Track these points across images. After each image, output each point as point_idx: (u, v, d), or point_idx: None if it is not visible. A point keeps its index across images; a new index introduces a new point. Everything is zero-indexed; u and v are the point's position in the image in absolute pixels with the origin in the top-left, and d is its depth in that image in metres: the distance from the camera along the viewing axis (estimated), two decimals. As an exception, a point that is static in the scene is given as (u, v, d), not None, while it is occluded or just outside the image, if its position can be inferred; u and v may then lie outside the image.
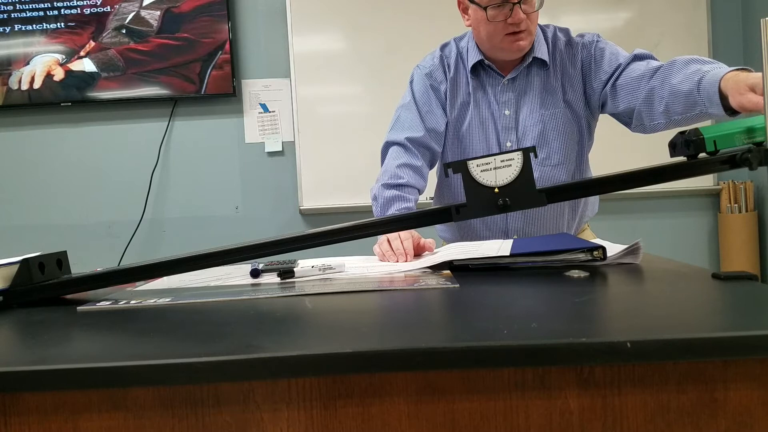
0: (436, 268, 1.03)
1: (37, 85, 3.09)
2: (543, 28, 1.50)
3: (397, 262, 1.18)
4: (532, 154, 0.89)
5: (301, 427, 0.56)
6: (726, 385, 0.55)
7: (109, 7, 3.07)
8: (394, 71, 3.02)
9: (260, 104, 3.10)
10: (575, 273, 0.90)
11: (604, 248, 0.99)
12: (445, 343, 0.55)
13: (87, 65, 3.09)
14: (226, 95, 3.06)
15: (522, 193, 0.89)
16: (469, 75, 1.49)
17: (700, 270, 0.91)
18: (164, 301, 0.87)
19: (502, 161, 0.89)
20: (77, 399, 0.57)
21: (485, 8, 1.36)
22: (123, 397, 0.57)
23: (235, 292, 0.91)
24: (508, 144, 1.48)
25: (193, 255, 1.00)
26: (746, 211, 2.94)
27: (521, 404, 0.56)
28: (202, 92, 3.04)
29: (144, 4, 3.07)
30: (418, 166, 1.47)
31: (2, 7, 3.08)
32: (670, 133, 0.98)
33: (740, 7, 3.06)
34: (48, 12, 3.09)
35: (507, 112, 1.47)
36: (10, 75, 3.10)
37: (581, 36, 1.47)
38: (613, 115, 1.44)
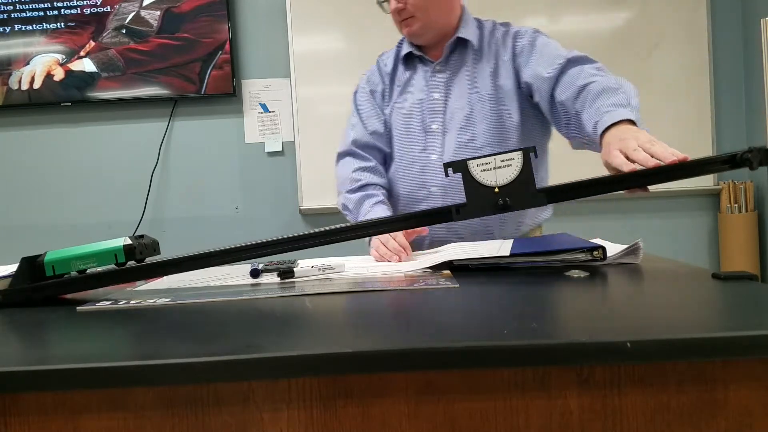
0: (436, 268, 1.03)
1: (37, 85, 3.09)
2: (480, 20, 1.56)
3: (399, 261, 1.19)
4: (532, 154, 0.89)
5: (301, 427, 0.56)
6: (726, 385, 0.55)
7: (109, 7, 3.07)
8: (394, 71, 3.02)
9: (260, 104, 3.10)
10: (575, 273, 0.90)
11: (604, 248, 0.99)
12: (445, 343, 0.55)
13: (87, 65, 3.09)
14: (226, 95, 3.06)
15: (522, 192, 0.89)
16: (402, 67, 1.56)
17: (700, 270, 0.91)
18: (164, 301, 0.87)
19: (502, 161, 0.89)
20: (77, 399, 0.57)
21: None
22: (123, 397, 0.57)
23: (235, 292, 0.91)
24: (434, 127, 1.49)
25: (193, 255, 1.00)
26: (746, 211, 2.94)
27: (521, 404, 0.56)
28: (202, 92, 3.04)
29: (144, 4, 3.07)
30: (371, 165, 1.53)
31: (2, 7, 3.08)
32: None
33: (740, 7, 3.06)
34: (48, 12, 3.09)
35: (436, 96, 1.50)
36: (10, 75, 3.10)
37: (521, 28, 1.51)
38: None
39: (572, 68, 1.38)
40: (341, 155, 1.59)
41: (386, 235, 1.25)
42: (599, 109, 1.21)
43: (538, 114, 1.49)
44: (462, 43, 1.51)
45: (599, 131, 1.15)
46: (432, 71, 1.52)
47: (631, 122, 1.13)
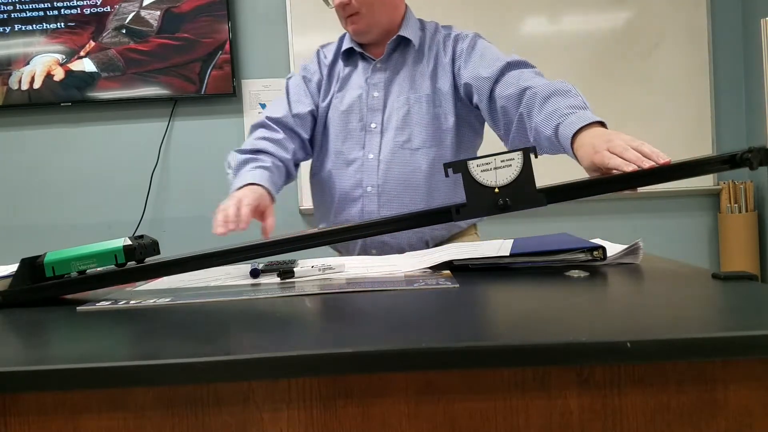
0: (436, 268, 1.03)
1: (37, 85, 3.09)
2: (423, 21, 1.56)
3: (229, 228, 1.18)
4: (532, 154, 0.89)
5: (301, 427, 0.56)
6: (726, 385, 0.55)
7: (109, 7, 3.07)
8: (394, 71, 3.02)
9: (260, 104, 3.10)
10: (575, 273, 0.90)
11: (604, 248, 0.99)
12: (445, 343, 0.55)
13: (87, 65, 3.09)
14: (226, 95, 3.06)
15: (522, 193, 0.89)
16: (342, 62, 1.55)
17: (700, 270, 0.91)
18: (164, 301, 0.87)
19: (502, 161, 0.89)
20: (77, 399, 0.57)
21: None
22: (123, 397, 0.57)
23: (235, 292, 0.91)
24: (373, 125, 1.48)
25: (193, 255, 1.00)
26: (746, 211, 2.94)
27: (521, 404, 0.56)
28: (202, 92, 3.05)
29: (144, 4, 3.07)
30: (278, 138, 1.49)
31: (2, 7, 3.08)
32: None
33: (740, 7, 3.06)
34: (48, 12, 3.09)
35: (376, 94, 1.49)
36: (10, 75, 3.10)
37: (462, 32, 1.51)
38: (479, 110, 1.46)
39: (512, 70, 1.38)
40: (254, 127, 1.55)
41: (239, 196, 1.24)
42: (556, 112, 1.19)
43: (471, 119, 1.50)
44: (404, 43, 1.51)
45: (568, 134, 1.12)
46: (372, 69, 1.51)
47: (601, 124, 1.11)
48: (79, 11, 3.08)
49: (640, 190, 0.98)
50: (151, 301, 0.87)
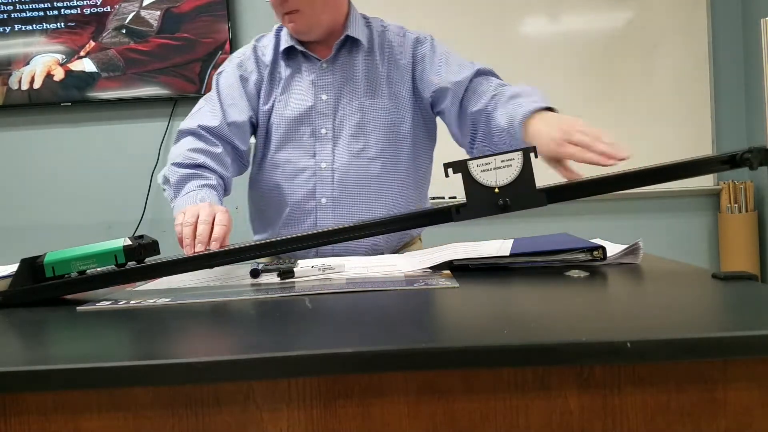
0: (436, 268, 1.03)
1: (37, 85, 3.09)
2: (368, 18, 1.47)
3: (194, 251, 1.07)
4: (532, 154, 0.89)
5: (301, 427, 0.56)
6: (726, 385, 0.55)
7: (109, 7, 3.07)
8: (394, 71, 3.02)
9: (260, 104, 3.10)
10: (575, 273, 0.90)
11: (604, 248, 0.99)
12: (445, 343, 0.55)
13: (87, 65, 3.09)
14: (226, 95, 3.05)
15: (522, 193, 0.89)
16: (283, 62, 1.41)
17: (700, 270, 0.91)
18: (164, 301, 0.87)
19: (502, 161, 0.89)
20: (77, 399, 0.57)
21: None
22: (123, 397, 0.57)
23: (235, 292, 0.91)
24: (323, 131, 1.37)
25: (193, 255, 1.00)
26: (746, 211, 2.94)
27: (521, 404, 0.56)
28: (202, 92, 3.04)
29: (144, 4, 3.07)
30: (218, 153, 1.34)
31: (2, 7, 3.08)
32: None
33: (740, 7, 3.06)
34: (48, 12, 3.09)
35: (324, 97, 1.38)
36: (10, 75, 3.10)
37: (420, 34, 1.45)
38: (441, 117, 1.43)
39: (481, 78, 1.36)
40: (183, 133, 1.38)
41: (193, 214, 1.11)
42: (515, 106, 1.21)
43: (429, 124, 1.46)
44: (351, 42, 1.41)
45: (518, 121, 1.15)
46: (319, 70, 1.39)
47: (551, 110, 1.15)
48: (79, 11, 3.08)
49: (640, 190, 0.99)
50: (151, 301, 0.87)
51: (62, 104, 3.10)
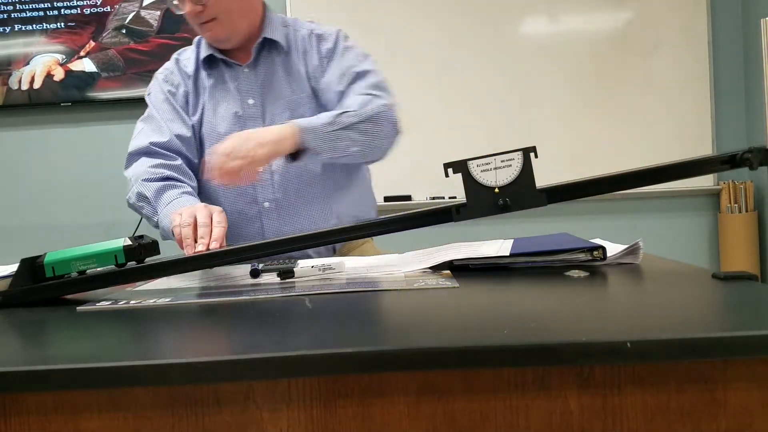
0: (436, 268, 1.03)
1: (37, 85, 3.10)
2: (284, 18, 1.46)
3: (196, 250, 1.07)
4: (532, 154, 0.89)
5: (301, 427, 0.56)
6: (726, 385, 0.55)
7: (109, 7, 3.07)
8: (393, 71, 3.01)
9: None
10: (575, 273, 0.90)
11: (604, 248, 0.99)
12: (445, 343, 0.55)
13: (87, 65, 3.09)
14: (226, 95, 3.05)
15: (522, 192, 0.89)
16: (204, 71, 1.41)
17: (700, 270, 0.91)
18: (164, 301, 0.87)
19: (502, 161, 0.89)
20: (77, 399, 0.57)
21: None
22: (123, 397, 0.57)
23: (235, 292, 0.91)
24: None
25: (193, 255, 1.00)
26: (746, 211, 2.94)
27: (521, 404, 0.56)
28: (202, 92, 3.04)
29: (144, 4, 3.07)
30: (178, 164, 1.35)
31: (2, 7, 3.08)
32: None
33: (740, 7, 3.06)
34: (48, 12, 3.09)
35: (251, 102, 1.38)
36: (10, 75, 3.10)
37: (325, 30, 1.44)
38: None
39: (356, 85, 1.34)
40: (135, 155, 1.37)
41: (200, 216, 1.10)
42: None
43: None
44: (269, 44, 1.40)
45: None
46: (241, 75, 1.39)
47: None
48: (79, 11, 3.08)
49: (640, 190, 0.99)
50: (151, 301, 0.87)
51: (62, 104, 3.10)
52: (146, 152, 1.36)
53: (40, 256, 0.96)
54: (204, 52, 1.41)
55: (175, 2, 1.33)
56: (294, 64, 1.40)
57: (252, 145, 1.16)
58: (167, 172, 1.32)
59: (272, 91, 1.39)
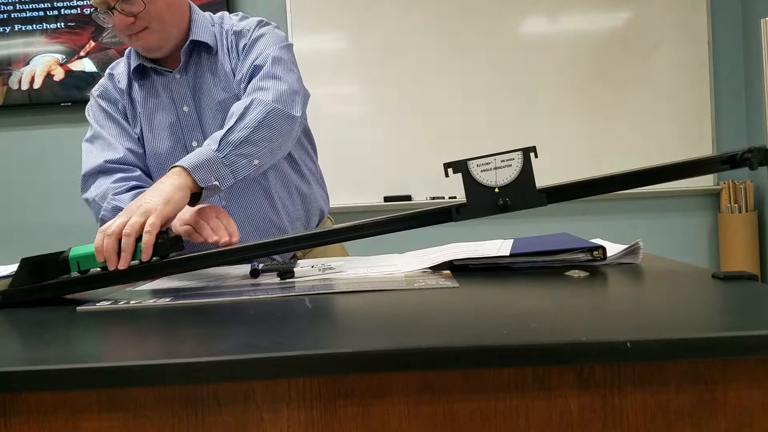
0: (436, 268, 1.03)
1: (37, 85, 3.10)
2: (212, 16, 1.40)
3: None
4: (532, 154, 0.89)
5: (301, 427, 0.56)
6: (726, 385, 0.55)
7: (109, 7, 3.07)
8: (394, 71, 3.02)
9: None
10: (575, 273, 0.90)
11: (604, 248, 0.99)
12: (445, 343, 0.55)
13: (87, 65, 3.09)
14: (226, 95, 3.05)
15: (522, 193, 0.89)
16: (136, 83, 1.36)
17: (700, 270, 0.91)
18: (164, 301, 0.87)
19: (502, 161, 0.89)
20: (77, 399, 0.57)
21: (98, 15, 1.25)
22: (123, 397, 0.57)
23: (235, 292, 0.91)
24: (194, 144, 1.32)
25: (193, 255, 1.00)
26: (746, 211, 2.94)
27: (521, 404, 0.56)
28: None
29: (144, 4, 3.06)
30: (138, 175, 1.32)
31: (2, 7, 3.08)
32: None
33: (740, 7, 3.06)
34: (48, 12, 3.09)
35: (186, 109, 1.34)
36: (10, 75, 3.10)
37: (243, 26, 1.36)
38: None
39: (252, 81, 1.28)
40: (91, 176, 1.32)
41: (119, 225, 1.00)
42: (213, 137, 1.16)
43: None
44: (198, 46, 1.35)
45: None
46: (173, 83, 1.34)
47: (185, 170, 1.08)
48: (79, 11, 3.08)
49: (641, 190, 0.98)
50: (151, 301, 0.87)
51: (62, 104, 3.10)
52: (102, 171, 1.32)
53: (65, 251, 0.97)
54: (133, 63, 1.36)
55: (101, 16, 1.24)
56: (222, 64, 1.35)
57: (142, 211, 1.01)
58: (132, 183, 1.30)
59: (205, 95, 1.34)
